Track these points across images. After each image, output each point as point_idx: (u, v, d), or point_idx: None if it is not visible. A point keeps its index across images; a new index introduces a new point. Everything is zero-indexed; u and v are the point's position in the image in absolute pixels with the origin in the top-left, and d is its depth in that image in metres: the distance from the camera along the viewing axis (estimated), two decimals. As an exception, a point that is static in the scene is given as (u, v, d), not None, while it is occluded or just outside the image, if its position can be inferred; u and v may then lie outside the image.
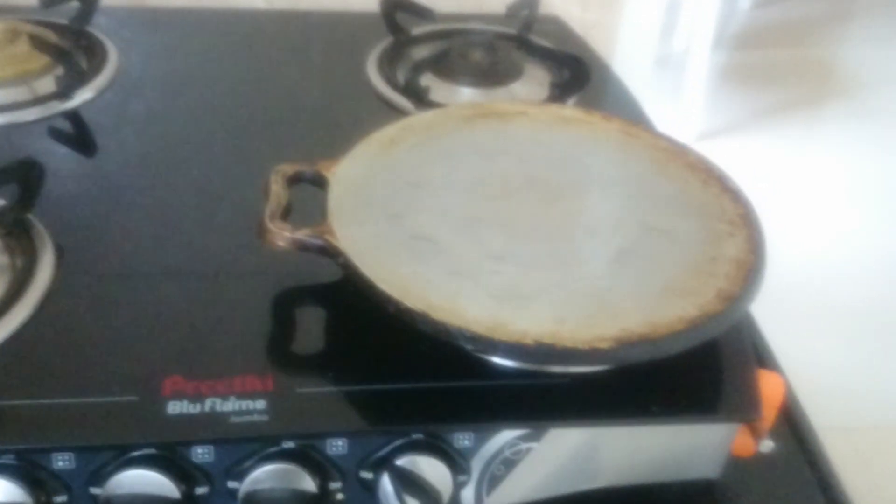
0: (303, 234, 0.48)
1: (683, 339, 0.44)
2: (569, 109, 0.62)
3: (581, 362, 0.44)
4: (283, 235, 0.47)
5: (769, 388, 0.48)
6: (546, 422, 0.46)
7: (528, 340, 0.42)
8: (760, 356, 0.56)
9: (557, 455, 0.47)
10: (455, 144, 0.57)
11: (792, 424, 0.53)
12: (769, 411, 0.48)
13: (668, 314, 0.44)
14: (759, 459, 0.49)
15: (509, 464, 0.46)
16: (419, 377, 0.46)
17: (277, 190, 0.50)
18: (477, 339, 0.42)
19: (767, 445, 0.49)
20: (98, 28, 0.76)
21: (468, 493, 0.47)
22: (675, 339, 0.43)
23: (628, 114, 0.70)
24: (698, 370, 0.48)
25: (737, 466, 0.49)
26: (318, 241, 0.47)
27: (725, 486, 0.50)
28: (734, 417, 0.47)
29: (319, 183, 0.52)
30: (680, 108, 2.30)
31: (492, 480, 0.47)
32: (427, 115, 0.60)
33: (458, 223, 0.50)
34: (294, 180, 0.52)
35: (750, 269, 0.47)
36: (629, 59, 1.03)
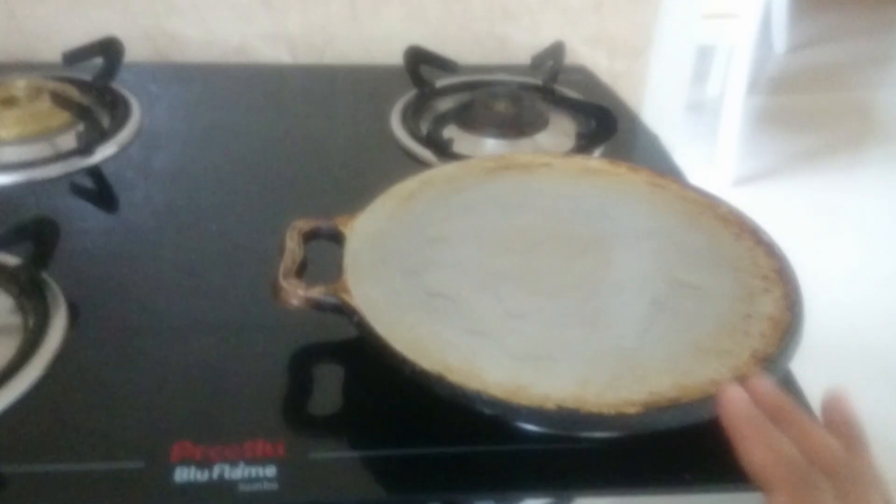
0: (317, 293, 0.46)
1: (716, 405, 0.41)
2: (594, 161, 0.61)
3: (606, 428, 0.42)
4: (296, 294, 0.46)
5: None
6: (572, 489, 0.44)
7: (550, 405, 0.40)
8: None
9: (584, 525, 0.44)
10: (476, 198, 0.56)
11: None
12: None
13: (700, 376, 0.42)
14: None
15: (533, 534, 0.44)
16: (437, 441, 0.44)
17: (293, 247, 0.49)
18: (496, 404, 0.40)
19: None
20: (122, 84, 0.77)
21: (490, 566, 0.44)
22: (706, 405, 0.41)
23: (657, 163, 0.68)
24: (733, 434, 0.45)
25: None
26: (333, 300, 0.46)
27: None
28: (771, 486, 0.44)
29: (336, 238, 0.51)
30: (715, 153, 2.27)
31: (515, 552, 0.44)
32: (448, 168, 0.59)
33: (477, 279, 0.49)
34: (310, 236, 0.51)
35: (787, 327, 0.45)
36: (659, 106, 1.01)
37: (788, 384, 0.53)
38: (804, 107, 2.71)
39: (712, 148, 2.27)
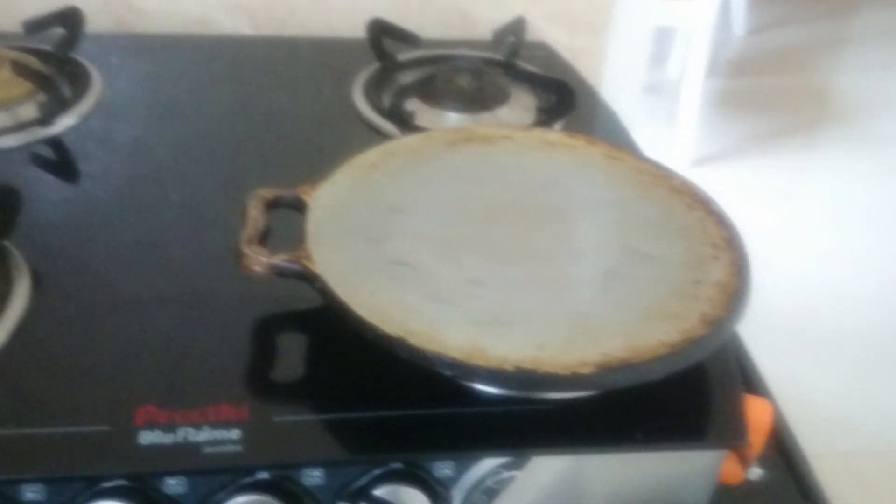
0: (279, 259, 0.47)
1: (666, 364, 0.43)
2: (553, 134, 0.62)
3: (562, 388, 0.43)
4: (259, 260, 0.47)
5: (757, 413, 0.47)
6: (528, 449, 0.45)
7: (508, 366, 0.41)
8: (749, 381, 0.55)
9: (540, 484, 0.46)
10: (438, 169, 0.57)
11: (782, 451, 0.52)
12: (757, 437, 0.47)
13: (651, 338, 0.44)
14: (748, 487, 0.48)
15: (491, 493, 0.45)
16: (398, 405, 0.45)
17: (255, 214, 0.50)
18: (455, 366, 0.42)
19: (756, 473, 0.48)
20: (83, 54, 0.76)
21: (449, 525, 0.46)
22: (657, 364, 0.42)
23: (615, 138, 0.70)
24: (684, 396, 0.47)
25: (725, 495, 0.48)
26: (295, 266, 0.47)
27: (714, 515, 0.48)
28: (720, 444, 0.46)
29: (299, 207, 0.52)
30: (674, 135, 2.30)
31: (474, 511, 0.46)
32: (410, 140, 0.60)
33: (438, 248, 0.50)
34: (273, 204, 0.51)
35: (734, 292, 0.47)
36: (618, 85, 1.03)
37: (739, 354, 0.56)
38: (762, 89, 2.75)
39: (671, 129, 2.31)
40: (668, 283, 0.48)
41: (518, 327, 0.45)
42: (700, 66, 2.26)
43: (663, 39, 2.48)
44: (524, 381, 0.42)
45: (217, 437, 0.42)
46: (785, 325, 1.69)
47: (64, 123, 0.68)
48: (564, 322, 0.45)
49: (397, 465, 0.44)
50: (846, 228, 2.10)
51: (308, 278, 0.46)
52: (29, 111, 0.68)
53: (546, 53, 0.88)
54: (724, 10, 2.73)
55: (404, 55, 0.81)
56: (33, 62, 0.72)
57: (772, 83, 2.81)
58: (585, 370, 0.42)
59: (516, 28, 0.82)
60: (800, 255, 1.96)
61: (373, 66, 0.79)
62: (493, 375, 0.42)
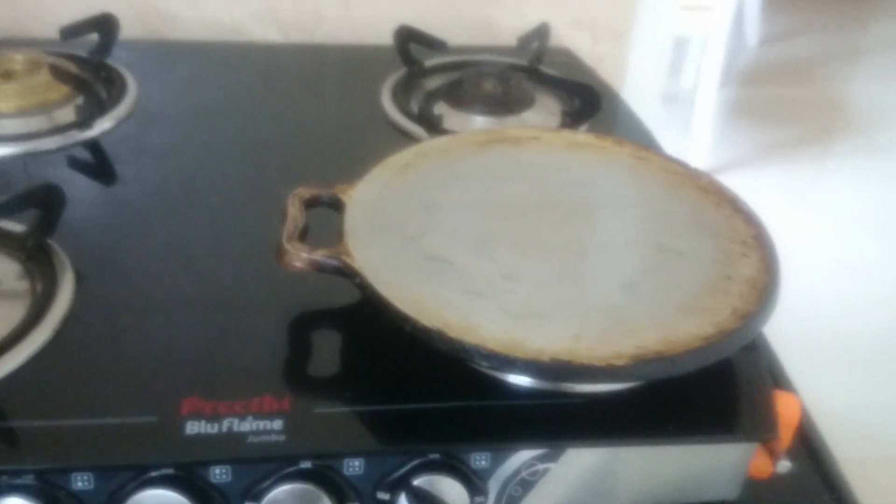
0: (320, 255, 0.48)
1: (700, 357, 0.44)
2: (581, 135, 0.63)
3: (597, 379, 0.44)
4: (300, 256, 0.48)
5: (785, 408, 0.48)
6: (563, 442, 0.46)
7: (545, 357, 0.42)
8: (776, 378, 0.56)
9: (575, 476, 0.46)
10: (469, 169, 0.58)
11: (808, 445, 0.53)
12: (786, 431, 0.47)
13: (684, 332, 0.45)
14: (777, 481, 0.49)
15: (526, 485, 0.46)
16: (436, 397, 0.46)
17: (294, 212, 0.51)
18: (493, 357, 0.43)
19: (784, 466, 0.48)
20: (117, 61, 0.78)
21: (485, 515, 0.46)
22: (691, 357, 0.43)
23: (639, 141, 0.70)
24: (715, 390, 0.47)
25: (754, 488, 0.49)
26: (335, 262, 0.48)
27: (743, 508, 0.49)
28: (751, 437, 0.47)
29: (336, 206, 0.53)
30: (688, 144, 2.31)
31: (509, 501, 0.46)
32: (441, 141, 0.61)
33: (472, 244, 0.51)
34: (311, 203, 0.53)
35: (764, 287, 0.48)
36: (638, 93, 1.04)
37: (767, 351, 0.57)
38: (775, 99, 2.76)
39: (686, 139, 2.31)
40: (700, 278, 0.49)
41: (553, 320, 0.46)
42: (714, 75, 2.27)
43: (677, 49, 2.48)
44: (560, 371, 0.43)
45: (260, 427, 0.43)
46: (797, 333, 1.69)
47: (100, 127, 0.69)
48: (598, 315, 0.46)
49: (435, 456, 0.44)
50: (858, 236, 2.10)
51: (347, 273, 0.47)
52: (66, 114, 0.69)
53: (568, 59, 0.89)
54: (738, 21, 2.74)
55: (431, 61, 0.83)
56: (70, 67, 0.74)
57: (784, 93, 2.81)
58: (621, 362, 0.42)
59: (540, 34, 0.83)
60: (812, 263, 1.96)
61: (400, 72, 0.80)
62: (530, 366, 0.43)
